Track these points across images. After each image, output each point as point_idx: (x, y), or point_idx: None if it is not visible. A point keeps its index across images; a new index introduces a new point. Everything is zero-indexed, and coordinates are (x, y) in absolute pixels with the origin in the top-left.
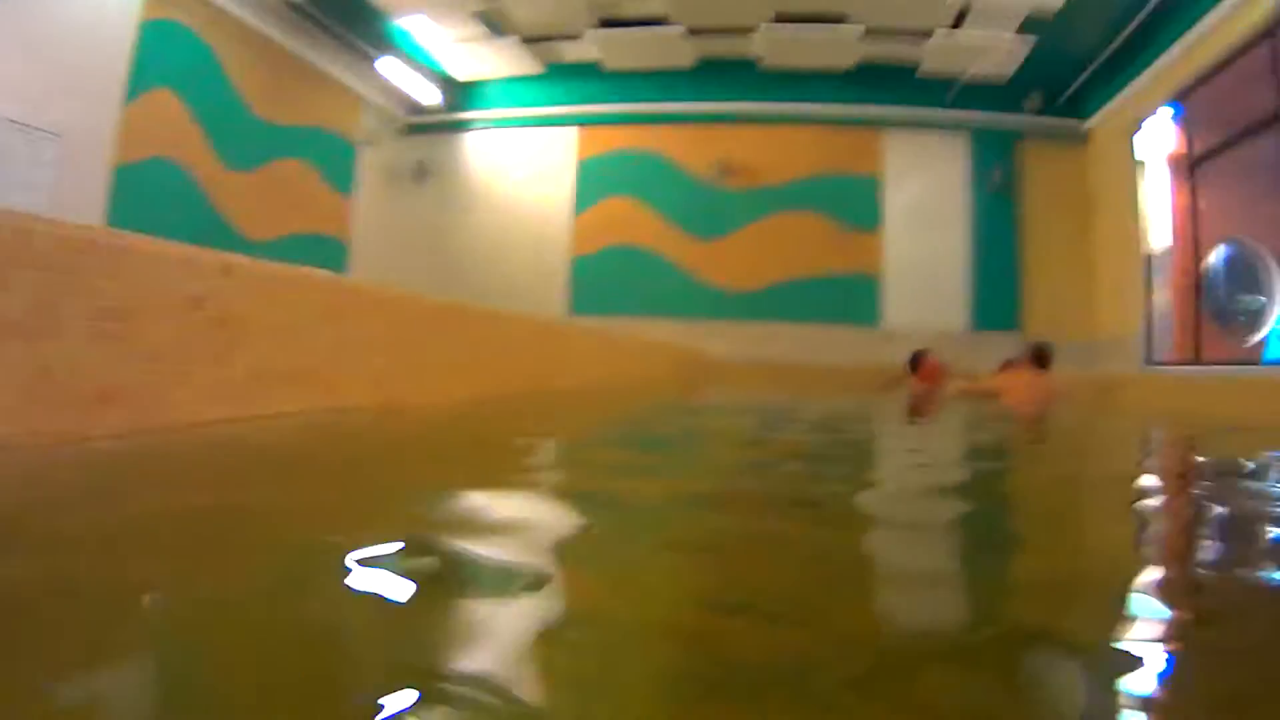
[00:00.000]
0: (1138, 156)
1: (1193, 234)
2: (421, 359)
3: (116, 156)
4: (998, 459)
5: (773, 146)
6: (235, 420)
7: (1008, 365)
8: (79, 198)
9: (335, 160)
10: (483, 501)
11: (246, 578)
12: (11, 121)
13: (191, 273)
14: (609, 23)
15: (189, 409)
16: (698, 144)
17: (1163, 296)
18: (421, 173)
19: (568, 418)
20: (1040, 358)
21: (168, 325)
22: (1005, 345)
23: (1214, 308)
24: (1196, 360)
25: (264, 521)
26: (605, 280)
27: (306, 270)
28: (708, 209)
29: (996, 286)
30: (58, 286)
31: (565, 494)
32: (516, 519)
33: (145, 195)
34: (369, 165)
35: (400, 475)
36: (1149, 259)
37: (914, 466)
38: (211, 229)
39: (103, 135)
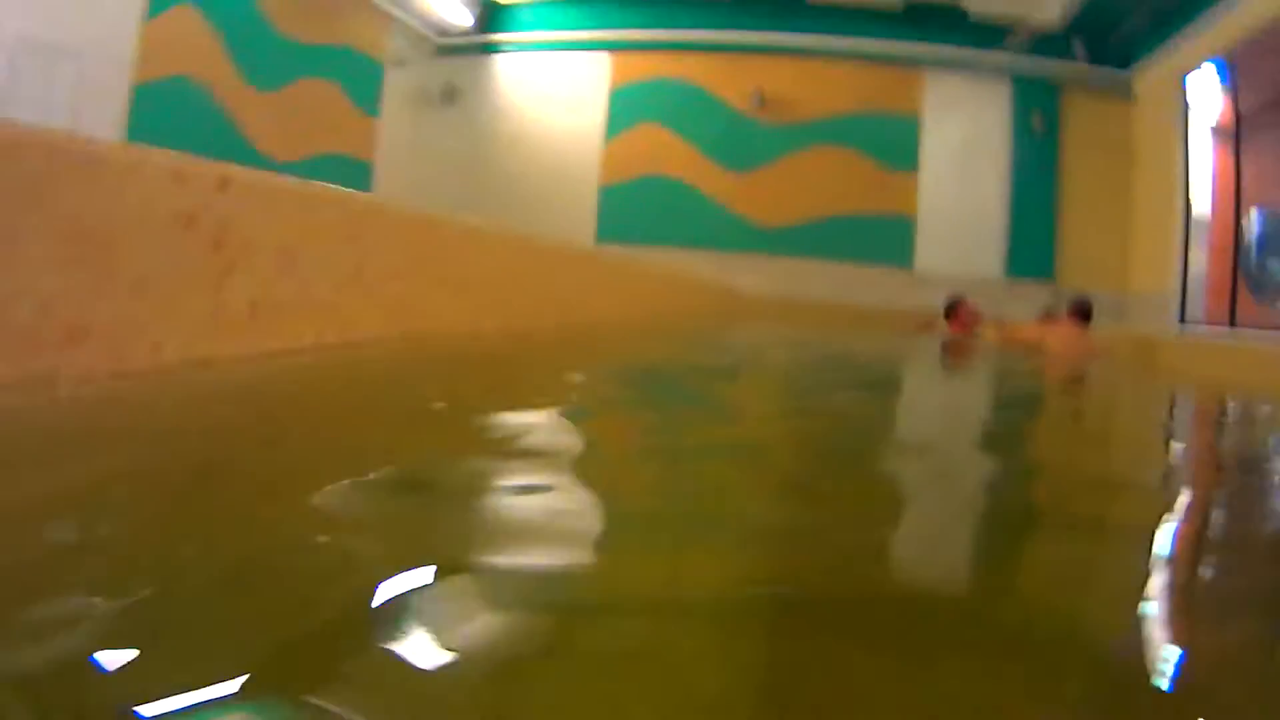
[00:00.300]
0: (1183, 113)
1: (1234, 196)
2: (445, 287)
3: (136, 75)
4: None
5: (811, 80)
6: (232, 358)
7: (1047, 317)
8: (98, 118)
9: (362, 81)
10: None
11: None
12: (26, 40)
13: (181, 187)
14: None
15: (177, 346)
16: (734, 74)
17: (1199, 256)
18: (450, 96)
19: (606, 354)
20: (1081, 312)
21: (152, 249)
22: (1039, 295)
23: (1248, 272)
24: (1230, 323)
25: (254, 481)
26: (634, 210)
27: (317, 186)
28: (742, 141)
29: (1032, 235)
30: (14, 204)
31: (612, 453)
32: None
33: (165, 116)
34: (396, 87)
35: (420, 423)
36: (1188, 217)
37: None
38: (233, 150)
39: (122, 53)
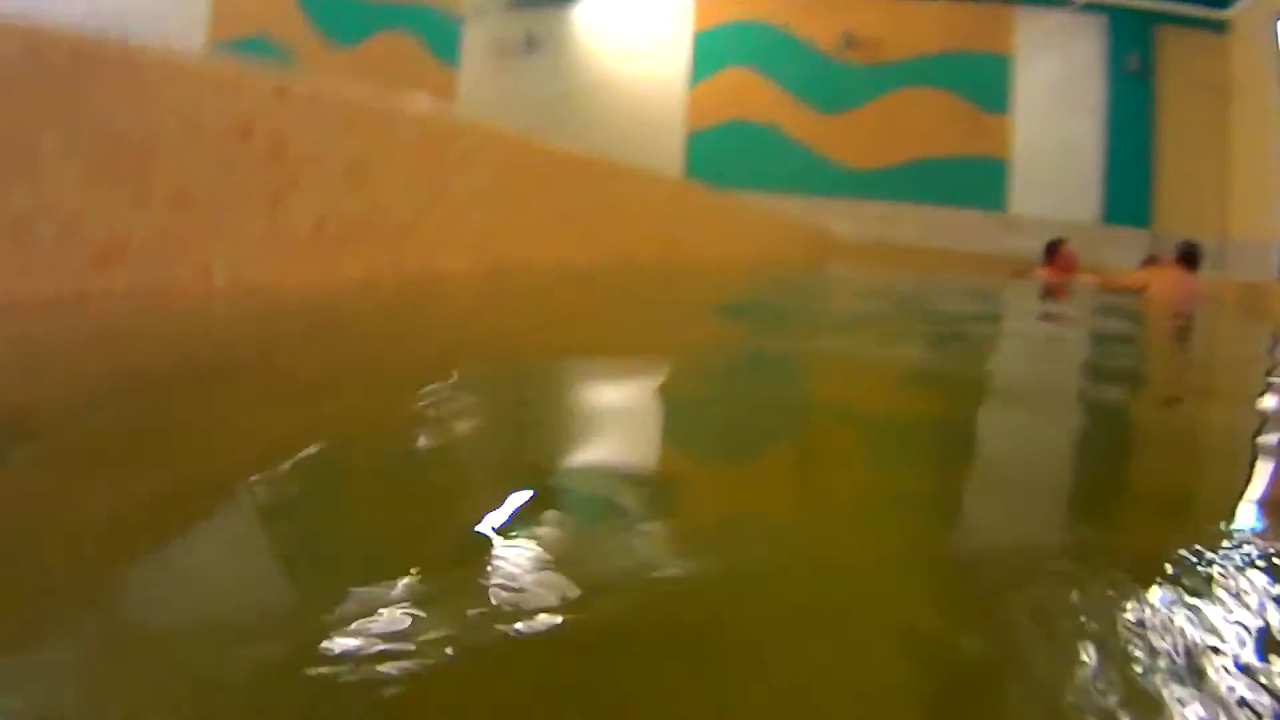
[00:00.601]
0: None
1: None
2: (534, 216)
3: (210, 37)
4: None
5: (899, 19)
6: (289, 285)
7: (1150, 261)
8: None
9: (441, 33)
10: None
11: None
12: (95, 13)
13: (232, 94)
14: None
15: (226, 270)
16: (820, 14)
17: None
18: (530, 45)
19: (714, 296)
20: (1188, 256)
21: (200, 161)
22: (1135, 241)
23: None
24: None
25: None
26: (721, 154)
27: (390, 97)
28: (829, 83)
29: (1128, 179)
30: (35, 111)
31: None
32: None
33: None
34: (476, 38)
35: (500, 373)
36: None
37: None
38: None
39: (195, 16)
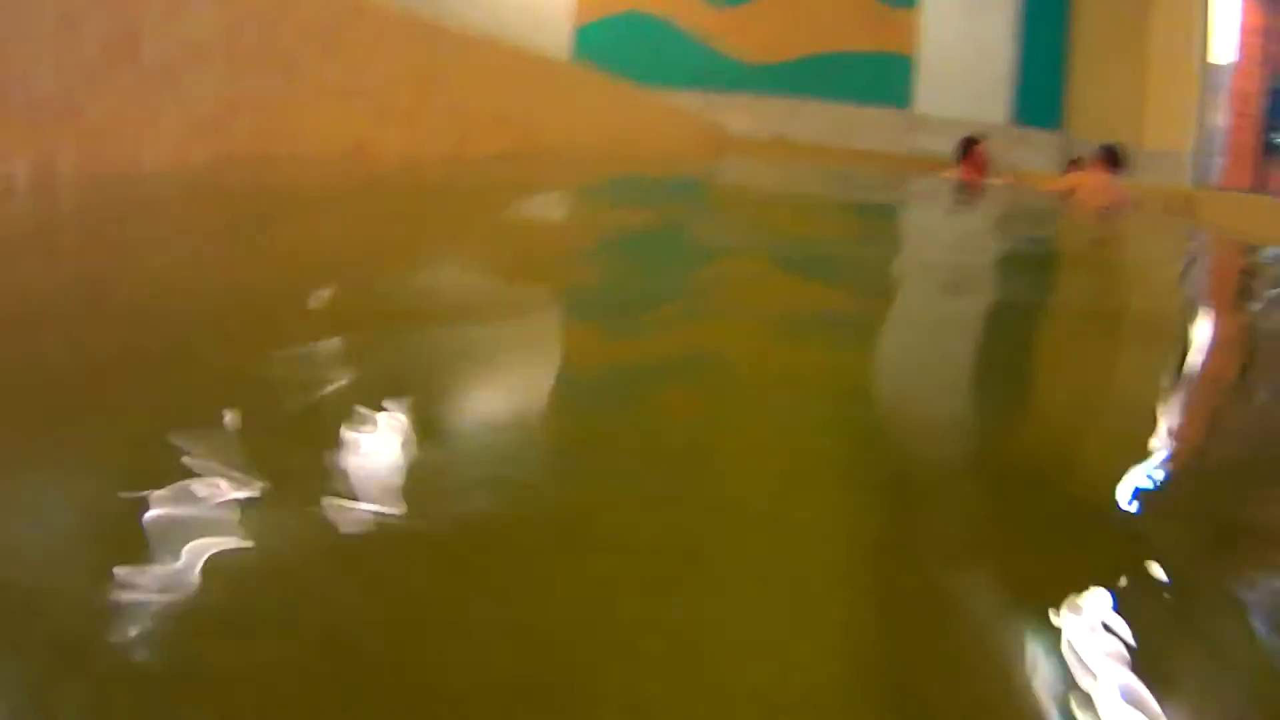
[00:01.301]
0: None
1: (1261, 53)
2: (302, 86)
3: None
4: None
5: None
6: None
7: (1075, 165)
8: None
9: None
10: None
11: None
12: None
13: None
14: None
15: None
16: None
17: (1220, 115)
18: None
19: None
20: (1110, 158)
21: None
22: (1044, 144)
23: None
24: (1253, 188)
25: None
26: (612, 49)
27: None
28: None
29: (1041, 80)
30: None
31: None
32: None
33: None
34: None
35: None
36: (1209, 71)
37: None
38: None
39: None
